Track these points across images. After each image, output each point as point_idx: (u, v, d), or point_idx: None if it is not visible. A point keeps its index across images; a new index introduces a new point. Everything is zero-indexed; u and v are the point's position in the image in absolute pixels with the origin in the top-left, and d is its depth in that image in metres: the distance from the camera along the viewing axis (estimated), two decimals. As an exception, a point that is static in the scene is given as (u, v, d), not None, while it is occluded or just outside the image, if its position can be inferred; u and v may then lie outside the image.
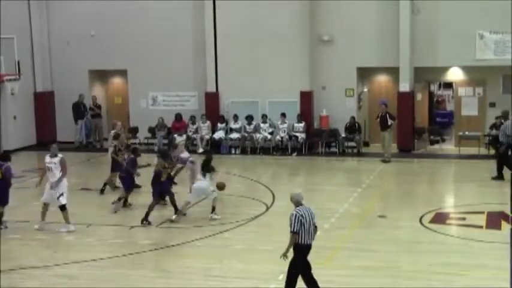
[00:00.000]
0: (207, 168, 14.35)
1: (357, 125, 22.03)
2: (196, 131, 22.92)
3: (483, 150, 21.07)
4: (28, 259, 12.12)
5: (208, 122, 22.94)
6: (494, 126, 19.80)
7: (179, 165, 16.24)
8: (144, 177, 15.74)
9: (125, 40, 23.84)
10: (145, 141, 23.36)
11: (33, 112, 24.66)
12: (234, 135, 22.76)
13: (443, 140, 23.36)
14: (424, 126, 22.83)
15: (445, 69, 22.30)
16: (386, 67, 22.27)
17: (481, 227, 13.55)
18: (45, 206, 13.83)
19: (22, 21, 23.94)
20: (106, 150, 19.82)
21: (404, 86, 21.66)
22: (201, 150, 21.88)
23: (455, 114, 23.14)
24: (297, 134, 22.26)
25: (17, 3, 23.60)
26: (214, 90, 23.19)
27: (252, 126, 22.69)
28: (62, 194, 13.63)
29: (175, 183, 15.71)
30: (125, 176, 15.54)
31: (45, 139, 23.40)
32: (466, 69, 21.94)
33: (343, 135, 22.05)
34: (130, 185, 15.62)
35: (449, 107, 26.70)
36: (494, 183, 17.23)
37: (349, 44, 22.15)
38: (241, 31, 22.57)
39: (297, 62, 22.28)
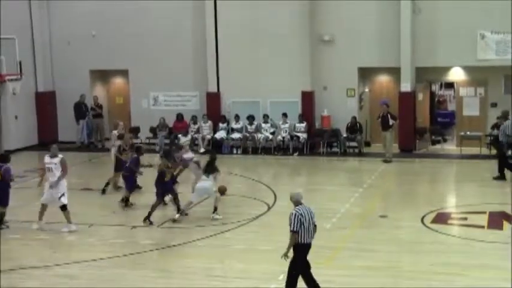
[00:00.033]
0: (211, 168, 14.35)
1: (358, 125, 22.03)
2: (197, 131, 22.92)
3: (485, 150, 21.05)
4: (29, 259, 12.12)
5: (209, 122, 22.95)
6: (496, 126, 19.77)
7: (181, 167, 16.23)
8: (146, 178, 15.75)
9: (126, 40, 23.85)
10: (147, 141, 23.36)
11: (35, 112, 24.69)
12: (236, 135, 22.77)
13: (445, 140, 23.34)
14: (426, 126, 22.82)
15: (446, 69, 22.28)
16: (387, 67, 22.27)
17: (482, 227, 13.53)
18: (44, 207, 13.84)
19: (23, 21, 23.96)
20: (107, 150, 19.86)
21: (406, 86, 21.65)
22: (202, 150, 21.90)
23: (456, 114, 23.12)
24: (298, 134, 22.26)
25: (18, 3, 23.62)
26: (215, 90, 23.20)
27: (253, 126, 22.69)
28: (63, 194, 13.65)
29: (177, 183, 15.68)
30: (128, 175, 15.57)
31: (46, 139, 23.42)
32: (468, 69, 21.92)
33: (345, 135, 22.05)
34: (132, 184, 15.63)
35: (451, 107, 26.67)
36: (495, 183, 17.22)
37: (350, 44, 22.14)
38: (242, 31, 22.57)
39: (298, 62, 22.28)
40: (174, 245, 12.81)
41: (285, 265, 9.64)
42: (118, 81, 25.68)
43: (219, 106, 23.24)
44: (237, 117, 22.90)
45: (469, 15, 20.86)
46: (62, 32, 24.56)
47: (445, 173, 19.73)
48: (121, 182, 16.52)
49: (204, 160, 15.48)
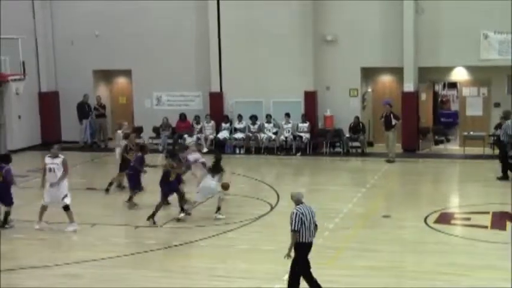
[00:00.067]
0: (216, 168, 14.35)
1: (361, 125, 22.02)
2: (200, 131, 22.94)
3: (488, 150, 21.02)
4: (31, 259, 12.12)
5: (212, 122, 22.96)
6: (499, 126, 19.74)
7: (183, 168, 16.20)
8: (150, 178, 15.76)
9: (129, 40, 23.87)
10: (150, 141, 23.37)
11: (38, 112, 24.72)
12: (239, 135, 22.78)
13: (448, 140, 23.32)
14: (429, 126, 22.80)
15: (449, 69, 22.26)
16: (390, 67, 22.25)
17: (486, 227, 13.51)
18: (44, 207, 13.84)
19: (27, 21, 23.99)
20: (110, 150, 19.86)
21: (409, 86, 21.64)
22: (205, 150, 21.90)
23: (459, 114, 23.10)
24: (301, 134, 22.25)
25: (22, 4, 23.67)
26: (218, 90, 23.21)
27: (256, 126, 22.70)
28: (66, 195, 13.67)
29: (183, 182, 15.62)
30: (132, 174, 15.58)
31: (49, 139, 23.44)
32: (471, 69, 21.89)
33: (348, 135, 22.04)
34: (137, 183, 15.62)
35: (454, 107, 26.67)
36: (499, 184, 17.19)
37: (353, 44, 22.14)
38: (245, 31, 22.58)
39: (300, 62, 22.27)
40: (176, 245, 12.81)
41: (288, 265, 9.65)
42: (121, 81, 25.71)
43: (222, 106, 23.25)
44: (239, 117, 22.90)
45: (472, 15, 20.84)
46: (65, 32, 24.60)
47: (448, 173, 19.71)
48: (125, 181, 16.52)
49: (207, 160, 15.48)
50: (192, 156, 16.62)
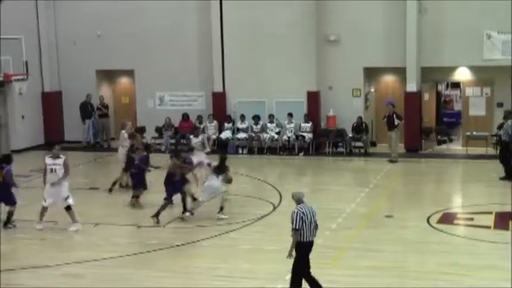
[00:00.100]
0: (221, 168, 14.35)
1: (364, 125, 22.01)
2: (203, 131, 22.92)
3: (491, 150, 20.98)
4: (33, 258, 12.14)
5: (215, 122, 22.96)
6: (502, 126, 19.71)
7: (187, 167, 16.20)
8: (154, 178, 15.76)
9: (131, 40, 23.88)
10: (153, 141, 23.37)
11: (41, 112, 24.76)
12: (241, 135, 22.78)
13: (451, 140, 23.29)
14: (432, 126, 22.77)
15: (452, 69, 22.23)
16: (393, 67, 22.23)
17: (488, 227, 13.50)
18: (45, 208, 13.86)
19: (30, 21, 24.03)
20: (113, 149, 19.85)
21: (412, 86, 21.61)
22: (208, 150, 21.86)
23: (462, 114, 23.06)
24: (304, 134, 22.25)
25: (25, 4, 23.68)
26: (221, 90, 23.21)
27: (259, 126, 22.70)
28: (68, 196, 13.70)
29: (188, 182, 15.60)
30: (137, 172, 15.60)
31: (53, 139, 23.46)
32: (474, 69, 21.86)
33: (350, 135, 22.03)
34: (140, 182, 15.62)
35: (457, 107, 26.62)
36: (502, 184, 17.15)
37: (356, 44, 22.12)
38: (248, 31, 22.57)
39: (303, 62, 22.27)
40: (179, 245, 12.81)
41: (291, 265, 9.64)
42: (124, 81, 25.73)
43: (225, 106, 23.26)
44: (242, 117, 22.91)
45: (475, 15, 20.81)
46: (68, 32, 24.62)
47: (451, 173, 19.69)
48: (129, 181, 16.54)
49: (211, 160, 15.48)
50: (197, 157, 16.68)
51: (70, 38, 24.59)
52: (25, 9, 23.73)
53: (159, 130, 23.62)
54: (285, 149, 22.36)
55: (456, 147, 22.62)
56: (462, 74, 22.35)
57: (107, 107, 24.69)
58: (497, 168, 18.08)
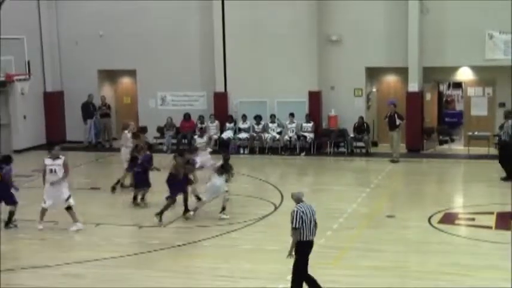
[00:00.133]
0: (226, 168, 14.34)
1: (365, 125, 21.99)
2: (204, 131, 22.92)
3: (492, 151, 20.93)
4: (34, 258, 12.15)
5: (216, 122, 22.96)
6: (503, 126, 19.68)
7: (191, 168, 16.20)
8: (155, 178, 15.77)
9: (133, 40, 23.90)
10: (154, 141, 23.39)
11: (43, 112, 24.78)
12: (243, 135, 22.78)
13: (452, 140, 23.26)
14: (433, 126, 22.76)
15: (454, 69, 22.21)
16: (395, 67, 22.22)
17: (490, 227, 13.48)
18: (45, 209, 13.85)
19: (32, 21, 24.06)
20: (115, 149, 19.83)
21: (413, 86, 21.60)
22: (209, 150, 21.86)
23: (464, 114, 23.04)
24: (305, 134, 22.25)
25: (27, 4, 23.71)
26: (222, 90, 23.22)
27: (260, 126, 22.70)
28: (69, 196, 13.70)
29: (192, 183, 15.59)
30: (140, 171, 15.61)
31: (54, 139, 23.46)
32: (476, 69, 21.84)
33: (352, 135, 22.02)
34: (144, 181, 15.62)
35: (459, 107, 26.58)
36: (503, 184, 17.13)
37: (358, 44, 22.11)
38: (250, 31, 22.58)
39: (305, 62, 22.27)
40: (180, 245, 12.82)
41: (292, 264, 9.64)
42: (125, 81, 25.74)
43: (226, 106, 23.26)
44: (244, 117, 22.91)
45: (477, 15, 20.79)
46: (70, 32, 24.64)
47: (452, 173, 19.67)
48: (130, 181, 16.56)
49: (215, 160, 15.49)
50: (202, 157, 16.71)
51: (72, 38, 24.62)
52: (27, 9, 23.76)
53: (160, 130, 23.63)
54: (287, 149, 22.36)
55: (458, 147, 22.59)
56: (464, 74, 22.32)
57: (108, 107, 24.70)
58: (499, 168, 18.05)
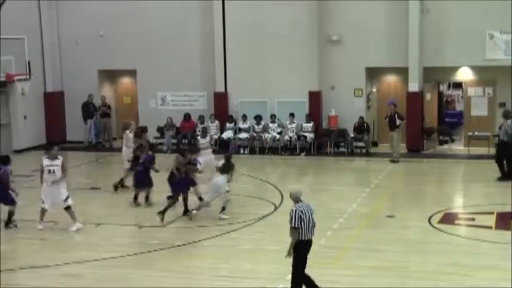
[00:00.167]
0: (227, 167, 14.34)
1: (365, 125, 21.99)
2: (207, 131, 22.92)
3: (493, 151, 20.89)
4: (34, 258, 12.15)
5: (216, 122, 22.96)
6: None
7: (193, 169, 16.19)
8: (156, 178, 15.76)
9: (133, 40, 23.91)
10: (155, 141, 23.37)
11: (43, 112, 24.79)
12: (243, 135, 22.78)
13: (453, 140, 23.26)
14: (433, 126, 22.75)
15: (454, 69, 22.21)
16: (395, 67, 22.22)
17: (490, 227, 13.47)
18: (44, 210, 13.85)
19: (32, 21, 24.06)
20: (115, 150, 19.82)
21: (414, 86, 21.60)
22: (210, 150, 21.86)
23: (464, 114, 23.04)
24: (305, 134, 22.25)
25: (27, 4, 23.71)
26: (223, 90, 23.22)
27: (260, 126, 22.70)
28: (68, 196, 13.71)
29: (195, 183, 15.58)
30: (142, 171, 15.61)
31: (54, 139, 23.48)
32: (476, 69, 21.84)
33: (352, 135, 22.02)
34: (145, 180, 15.62)
35: (459, 107, 26.60)
36: (503, 184, 17.10)
37: (358, 44, 22.11)
38: (250, 31, 22.58)
39: (305, 62, 22.27)
40: (180, 245, 12.82)
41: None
42: (126, 81, 25.75)
43: (227, 106, 23.26)
44: (244, 117, 22.91)
45: (477, 15, 20.79)
46: (70, 32, 24.66)
47: (452, 173, 19.67)
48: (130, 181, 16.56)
49: (218, 160, 15.51)
50: (204, 157, 16.71)
51: (72, 38, 24.63)
52: (27, 9, 23.76)
53: (160, 130, 23.63)
54: (287, 149, 22.36)
55: (458, 147, 22.59)
56: (464, 74, 22.32)
57: (108, 107, 24.71)
58: (497, 168, 18.04)
